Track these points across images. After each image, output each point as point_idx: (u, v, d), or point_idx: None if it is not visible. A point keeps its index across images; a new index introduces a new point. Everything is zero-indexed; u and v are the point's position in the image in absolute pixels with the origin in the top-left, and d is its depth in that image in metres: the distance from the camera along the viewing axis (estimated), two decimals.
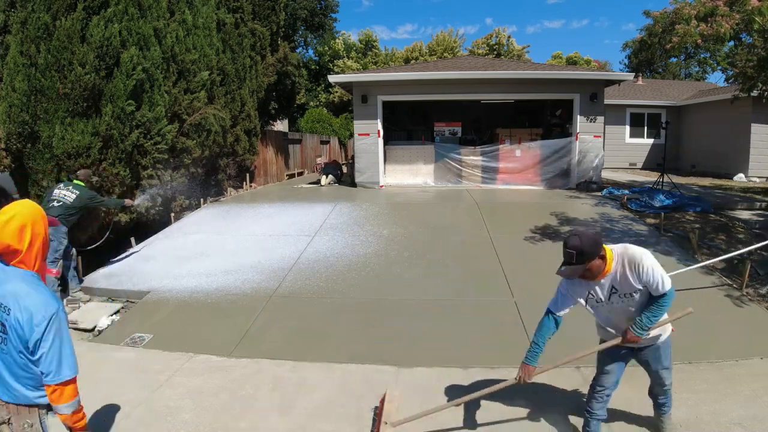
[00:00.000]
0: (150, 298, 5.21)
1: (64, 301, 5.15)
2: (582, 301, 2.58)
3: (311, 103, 27.32)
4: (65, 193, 5.26)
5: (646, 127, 16.01)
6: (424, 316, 4.62)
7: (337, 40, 28.85)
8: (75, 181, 5.44)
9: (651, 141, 15.95)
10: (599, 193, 9.57)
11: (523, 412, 3.12)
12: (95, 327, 4.72)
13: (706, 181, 12.21)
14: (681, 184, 10.69)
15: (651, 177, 12.42)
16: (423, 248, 6.36)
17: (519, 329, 4.32)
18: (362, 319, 4.63)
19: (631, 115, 15.95)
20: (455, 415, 3.07)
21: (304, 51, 28.45)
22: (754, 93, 8.55)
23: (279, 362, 3.87)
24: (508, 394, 3.08)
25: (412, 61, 26.23)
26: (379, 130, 10.80)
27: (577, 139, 10.47)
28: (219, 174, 10.33)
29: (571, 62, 29.12)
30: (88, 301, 5.34)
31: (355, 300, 5.02)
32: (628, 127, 16.03)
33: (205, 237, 7.15)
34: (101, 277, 5.82)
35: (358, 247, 6.45)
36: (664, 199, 8.15)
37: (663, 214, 7.35)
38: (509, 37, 29.51)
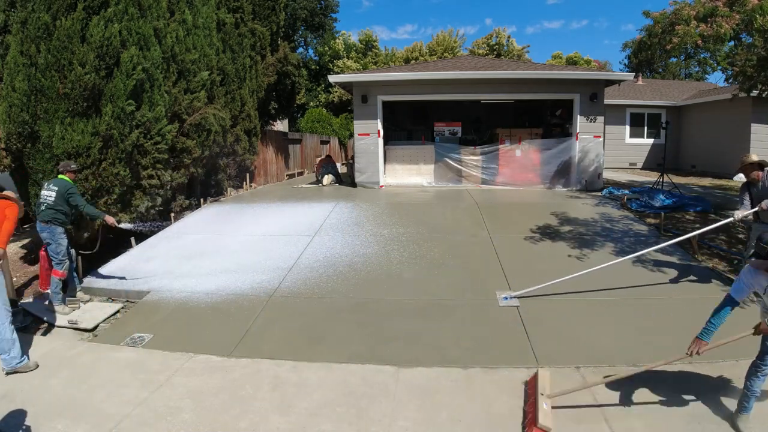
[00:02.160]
0: (150, 298, 5.21)
1: (66, 301, 5.14)
2: (761, 290, 2.86)
3: (311, 103, 27.32)
4: (47, 193, 5.04)
5: (646, 127, 16.01)
6: (424, 316, 4.62)
7: (337, 40, 28.85)
8: (59, 176, 5.19)
9: (651, 141, 15.96)
10: (599, 193, 9.58)
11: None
12: (95, 327, 4.72)
13: (706, 181, 12.21)
14: (681, 184, 10.69)
15: (651, 177, 12.42)
16: (423, 248, 6.36)
17: (519, 329, 4.32)
18: (362, 318, 4.63)
19: (631, 115, 15.96)
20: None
21: (304, 51, 28.49)
22: (754, 93, 8.54)
23: (279, 362, 3.87)
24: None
25: (412, 61, 26.23)
26: (379, 130, 10.80)
27: (577, 139, 10.47)
28: (219, 174, 10.33)
29: (571, 62, 29.12)
30: (88, 301, 5.34)
31: (355, 300, 5.02)
32: (628, 127, 16.04)
33: (205, 237, 7.15)
34: (101, 277, 5.82)
35: (358, 247, 6.45)
36: (664, 199, 8.15)
37: (663, 214, 7.36)
38: (509, 37, 29.53)
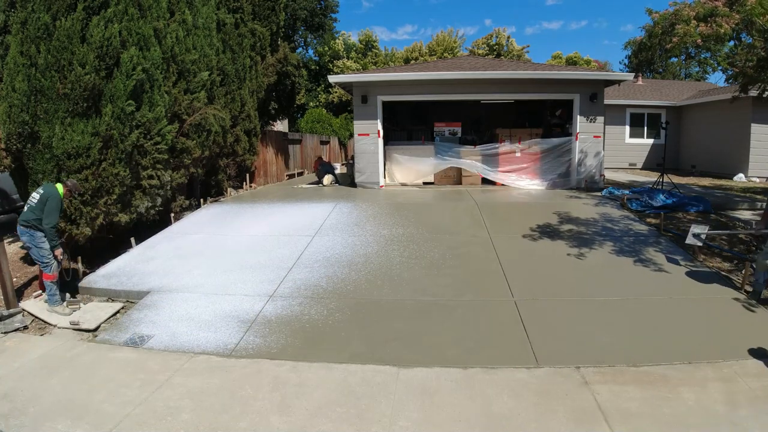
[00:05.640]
0: (150, 298, 5.21)
1: (65, 302, 5.13)
2: None
3: (311, 104, 27.33)
4: (34, 195, 5.00)
5: (646, 127, 16.02)
6: (423, 316, 4.63)
7: (337, 41, 28.86)
8: (57, 184, 5.17)
9: (651, 141, 15.96)
10: (599, 193, 9.58)
11: None
12: (97, 327, 4.72)
13: (706, 181, 12.21)
14: (681, 184, 10.70)
15: (651, 177, 12.42)
16: (423, 248, 6.36)
17: (519, 329, 4.32)
18: (362, 319, 4.64)
19: (631, 115, 15.96)
20: None
21: (304, 51, 28.49)
22: (754, 93, 8.54)
23: (279, 362, 3.87)
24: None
25: (412, 62, 26.24)
26: (379, 130, 10.80)
27: (577, 139, 10.47)
28: (219, 174, 10.33)
29: (571, 62, 29.13)
30: (88, 301, 5.34)
31: (355, 300, 5.02)
32: (628, 127, 16.04)
33: (204, 237, 7.15)
34: (101, 277, 5.82)
35: (358, 248, 6.45)
36: (664, 199, 8.15)
37: (663, 214, 7.35)
38: (509, 37, 29.54)
